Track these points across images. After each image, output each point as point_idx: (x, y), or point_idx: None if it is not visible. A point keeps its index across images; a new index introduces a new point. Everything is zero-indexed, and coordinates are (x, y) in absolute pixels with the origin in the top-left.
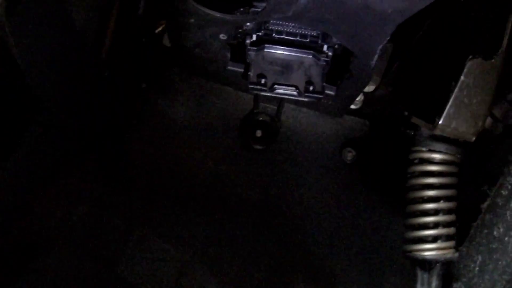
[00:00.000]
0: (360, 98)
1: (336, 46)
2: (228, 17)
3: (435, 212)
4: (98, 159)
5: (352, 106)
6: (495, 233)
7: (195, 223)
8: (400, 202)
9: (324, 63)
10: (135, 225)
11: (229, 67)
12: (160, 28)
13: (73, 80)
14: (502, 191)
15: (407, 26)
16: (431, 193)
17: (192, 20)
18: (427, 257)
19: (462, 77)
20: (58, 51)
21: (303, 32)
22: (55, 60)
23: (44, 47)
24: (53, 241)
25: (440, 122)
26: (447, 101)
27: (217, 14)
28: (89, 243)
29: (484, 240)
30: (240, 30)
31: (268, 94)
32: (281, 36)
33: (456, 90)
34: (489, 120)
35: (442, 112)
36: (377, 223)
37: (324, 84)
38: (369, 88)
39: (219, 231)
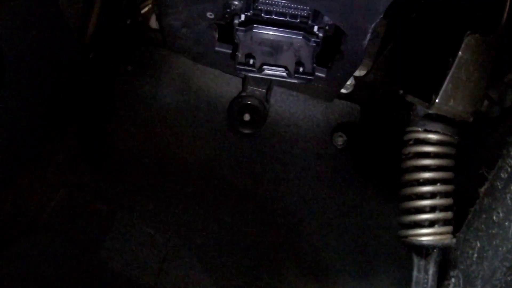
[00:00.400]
0: (351, 82)
1: (327, 27)
2: None
3: (431, 195)
4: (80, 142)
5: (343, 91)
6: (494, 218)
7: (181, 209)
8: (393, 188)
9: (315, 44)
10: (118, 209)
11: (216, 48)
12: (146, 9)
13: (55, 62)
14: (501, 174)
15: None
16: (427, 175)
17: None
18: (424, 242)
19: (460, 53)
20: (40, 33)
21: (293, 12)
22: (37, 41)
23: (26, 30)
24: (32, 225)
25: (437, 100)
26: (444, 78)
27: None
28: (69, 228)
29: (483, 226)
30: (228, 10)
31: (257, 75)
32: (270, 16)
33: (454, 66)
34: (485, 102)
35: (439, 89)
36: (369, 209)
37: (315, 65)
38: (361, 73)
39: (206, 217)
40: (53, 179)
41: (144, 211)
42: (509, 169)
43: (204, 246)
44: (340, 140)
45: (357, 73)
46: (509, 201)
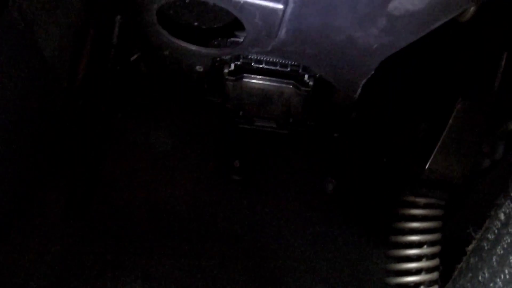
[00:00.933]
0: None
1: (318, 75)
2: (204, 50)
3: (418, 258)
4: (71, 196)
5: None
6: (480, 278)
7: (172, 262)
8: (380, 235)
9: (305, 94)
10: (109, 267)
11: (206, 98)
12: (135, 56)
13: (44, 112)
14: (488, 235)
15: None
16: (414, 238)
17: (167, 53)
18: None
19: (450, 121)
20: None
21: (283, 61)
22: (22, 92)
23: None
24: (27, 280)
25: (426, 167)
26: (435, 146)
27: (193, 47)
28: (62, 283)
29: (468, 284)
30: (218, 59)
31: (247, 127)
32: (260, 66)
33: (445, 134)
34: None
35: (429, 157)
36: (359, 255)
37: (305, 115)
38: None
39: (196, 270)
40: (46, 235)
41: (134, 267)
42: (496, 231)
43: None
44: (330, 186)
45: None
46: (495, 263)
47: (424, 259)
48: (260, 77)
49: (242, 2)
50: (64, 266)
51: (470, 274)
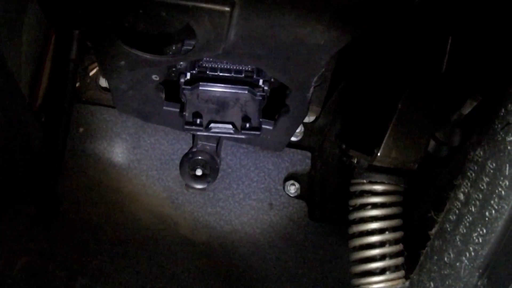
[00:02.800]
0: (300, 129)
1: (272, 80)
2: (158, 58)
3: (380, 244)
4: (36, 210)
5: (293, 138)
6: (445, 259)
7: (139, 269)
8: (347, 232)
9: (260, 98)
10: (78, 275)
11: (164, 108)
12: (94, 71)
13: (8, 128)
14: (450, 216)
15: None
16: (375, 225)
17: (122, 62)
18: None
19: (399, 105)
20: None
21: (237, 67)
22: None
23: None
24: None
25: (379, 153)
26: (386, 131)
27: (147, 56)
28: None
29: (435, 267)
30: (174, 69)
31: (205, 134)
32: (216, 73)
33: (395, 118)
34: (432, 143)
35: (381, 143)
36: (325, 255)
37: (261, 119)
38: (309, 119)
39: (165, 276)
40: (13, 247)
41: (103, 275)
42: (457, 211)
43: None
44: (292, 189)
45: (306, 119)
46: (458, 243)
47: (387, 245)
48: (215, 84)
49: (190, 6)
50: (32, 278)
51: (435, 257)
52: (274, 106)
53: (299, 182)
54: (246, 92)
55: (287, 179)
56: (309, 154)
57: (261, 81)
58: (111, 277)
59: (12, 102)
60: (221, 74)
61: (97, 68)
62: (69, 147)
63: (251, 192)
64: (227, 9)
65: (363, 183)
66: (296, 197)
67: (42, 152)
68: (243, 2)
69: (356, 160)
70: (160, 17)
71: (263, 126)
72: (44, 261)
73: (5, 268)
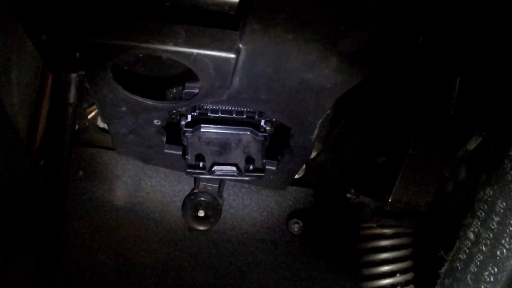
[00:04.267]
0: (302, 166)
1: (274, 119)
2: (160, 104)
3: (392, 287)
4: (38, 258)
5: (295, 176)
6: None
7: None
8: (351, 269)
9: (263, 138)
10: None
11: (166, 151)
12: (93, 113)
13: (6, 174)
14: (460, 255)
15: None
16: (386, 268)
17: (124, 108)
18: None
19: (410, 150)
20: None
21: (239, 109)
22: None
23: None
24: None
25: (390, 199)
26: (396, 176)
27: (149, 102)
28: None
29: None
30: (174, 111)
31: (208, 177)
32: (217, 115)
33: (405, 163)
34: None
35: (392, 188)
36: None
37: (264, 160)
38: (311, 155)
39: None
40: None
41: None
42: (467, 250)
43: None
44: (296, 227)
45: None
46: (470, 281)
47: (398, 287)
48: (217, 126)
49: (195, 54)
50: None
51: None
52: (277, 145)
53: (302, 220)
54: (249, 133)
55: (290, 217)
56: (311, 191)
57: (263, 122)
58: None
59: (10, 147)
60: (222, 115)
61: (95, 110)
62: (69, 191)
63: (255, 232)
64: (232, 56)
65: (373, 227)
66: (300, 235)
67: (42, 197)
68: (249, 48)
69: (365, 204)
70: (162, 61)
71: (267, 167)
72: None
73: None
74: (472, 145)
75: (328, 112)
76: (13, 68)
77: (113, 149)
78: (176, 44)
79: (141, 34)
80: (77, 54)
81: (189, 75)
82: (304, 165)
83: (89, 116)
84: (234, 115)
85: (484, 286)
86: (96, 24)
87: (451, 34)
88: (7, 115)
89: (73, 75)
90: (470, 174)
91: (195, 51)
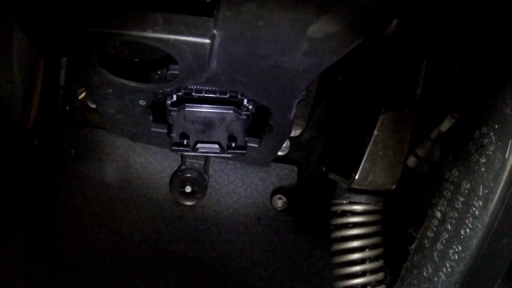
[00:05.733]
0: (286, 144)
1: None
2: (144, 86)
3: (361, 261)
4: (31, 233)
5: (279, 153)
6: (424, 273)
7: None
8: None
9: (245, 117)
10: None
11: (152, 129)
12: (83, 94)
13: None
14: (428, 233)
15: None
16: (355, 243)
17: (110, 90)
18: None
19: (375, 131)
20: None
21: (222, 88)
22: None
23: None
24: None
25: (356, 177)
26: (362, 156)
27: (133, 84)
28: None
29: (415, 281)
30: (160, 91)
31: (192, 154)
32: (201, 94)
33: (370, 144)
34: (413, 159)
35: (358, 167)
36: (313, 267)
37: (246, 138)
38: (295, 133)
39: None
40: (10, 271)
41: None
42: (434, 229)
43: None
44: (279, 202)
45: (292, 133)
46: (436, 258)
47: (367, 262)
48: (201, 105)
49: (172, 39)
50: None
51: (415, 271)
52: (260, 123)
53: (286, 196)
54: (232, 112)
55: (274, 193)
56: (295, 168)
57: (245, 101)
58: None
59: (4, 127)
60: (206, 95)
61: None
62: (61, 169)
63: (239, 207)
64: (207, 41)
65: (344, 204)
66: (283, 210)
67: (35, 175)
68: (223, 33)
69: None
70: (145, 46)
71: (249, 144)
72: (41, 284)
73: None
74: (445, 127)
75: (308, 91)
76: (6, 54)
77: (103, 128)
78: (155, 31)
79: (122, 22)
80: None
81: (172, 58)
82: (288, 143)
83: (80, 97)
84: (217, 95)
85: (449, 264)
86: (80, 13)
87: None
88: (1, 98)
89: (63, 59)
90: (444, 155)
91: (172, 37)
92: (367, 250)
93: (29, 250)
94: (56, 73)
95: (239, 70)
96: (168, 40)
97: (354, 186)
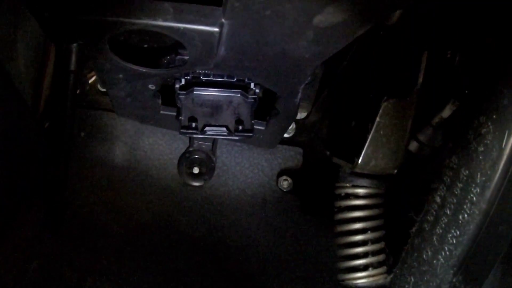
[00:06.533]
0: (292, 126)
1: None
2: (153, 71)
3: (363, 243)
4: (44, 214)
5: (285, 135)
6: (424, 256)
7: (144, 266)
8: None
9: (252, 101)
10: (87, 275)
11: (161, 112)
12: (93, 78)
13: (14, 135)
14: (427, 217)
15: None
16: (358, 225)
17: (120, 75)
18: (359, 285)
19: (377, 118)
20: None
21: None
22: None
23: None
24: None
25: (359, 161)
26: (365, 141)
27: (143, 69)
28: None
29: (415, 263)
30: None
31: (200, 136)
32: (209, 78)
33: (373, 130)
34: (415, 144)
35: (361, 152)
36: (319, 247)
37: (253, 121)
38: (301, 115)
39: (167, 272)
40: (25, 252)
41: (111, 274)
42: (434, 213)
43: None
44: (285, 184)
45: (298, 116)
46: (435, 242)
47: (369, 243)
48: (209, 89)
49: (182, 28)
50: (45, 279)
51: (415, 254)
52: (266, 106)
53: (291, 178)
54: (239, 95)
55: (280, 174)
56: (300, 150)
57: (252, 85)
58: (117, 276)
59: (16, 111)
60: (214, 79)
61: (95, 75)
62: (72, 151)
63: (246, 188)
64: (216, 29)
65: (347, 187)
66: (289, 192)
67: (47, 157)
68: (231, 22)
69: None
70: (155, 32)
71: (256, 127)
72: (55, 264)
73: (19, 272)
74: (446, 114)
75: (313, 77)
76: (18, 40)
77: (112, 111)
78: (165, 20)
79: (134, 11)
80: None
81: (180, 44)
82: (294, 125)
83: (90, 81)
84: (225, 78)
85: (447, 247)
86: (93, 2)
87: (422, 9)
88: (13, 83)
89: (74, 45)
90: (446, 141)
91: (182, 25)
92: (369, 232)
93: (42, 232)
94: (66, 58)
95: (246, 56)
96: (178, 28)
97: (357, 170)
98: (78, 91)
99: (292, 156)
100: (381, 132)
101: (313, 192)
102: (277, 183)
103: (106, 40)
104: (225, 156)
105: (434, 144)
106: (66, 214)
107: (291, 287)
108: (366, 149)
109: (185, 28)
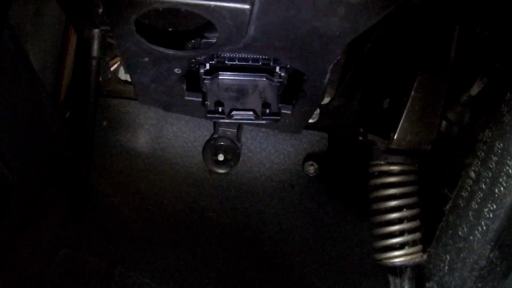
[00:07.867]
0: (316, 111)
1: (288, 66)
2: (180, 53)
3: (399, 221)
4: (69, 203)
5: (310, 120)
6: (460, 233)
7: (172, 254)
8: (366, 209)
9: (278, 84)
10: (115, 262)
11: (186, 98)
12: (115, 65)
13: (35, 125)
14: (462, 193)
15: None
16: (393, 203)
17: (146, 59)
18: (397, 263)
19: (413, 92)
20: (18, 99)
21: (254, 56)
22: (17, 109)
23: (5, 100)
24: (40, 282)
25: (395, 137)
26: (400, 116)
27: (170, 51)
28: (75, 281)
29: (450, 240)
30: (194, 60)
31: (227, 121)
32: (234, 62)
33: (408, 105)
34: (444, 123)
35: (397, 127)
36: (346, 231)
37: (280, 105)
38: (325, 100)
39: (195, 258)
40: (51, 241)
41: (139, 262)
42: (469, 188)
43: (198, 285)
44: (311, 169)
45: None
46: (471, 218)
47: (405, 221)
48: (234, 73)
49: (212, 6)
50: (73, 266)
51: (450, 231)
52: (292, 90)
53: (317, 163)
54: (264, 79)
55: (306, 160)
56: (326, 135)
57: (278, 68)
58: (146, 264)
59: (37, 100)
60: (239, 63)
61: (117, 63)
62: (94, 140)
63: (272, 174)
64: (247, 7)
65: (381, 164)
66: (315, 177)
67: (70, 147)
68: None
69: (373, 142)
70: (181, 14)
71: (282, 111)
72: (81, 252)
73: (46, 260)
74: (474, 91)
75: (339, 58)
76: (38, 29)
77: (135, 99)
78: None
79: None
80: (100, 10)
81: (206, 27)
82: (319, 110)
83: (112, 69)
84: (250, 62)
85: (484, 222)
86: None
87: None
88: (34, 71)
89: (96, 30)
90: (473, 119)
91: (213, 3)
92: (404, 210)
93: (68, 220)
94: (88, 44)
95: (276, 35)
96: (209, 6)
97: (393, 146)
98: (100, 79)
99: (317, 141)
100: (416, 107)
101: (340, 176)
102: (303, 168)
103: (132, 22)
104: (250, 142)
105: (463, 123)
106: (91, 203)
107: (321, 271)
108: (402, 123)
109: (215, 6)
